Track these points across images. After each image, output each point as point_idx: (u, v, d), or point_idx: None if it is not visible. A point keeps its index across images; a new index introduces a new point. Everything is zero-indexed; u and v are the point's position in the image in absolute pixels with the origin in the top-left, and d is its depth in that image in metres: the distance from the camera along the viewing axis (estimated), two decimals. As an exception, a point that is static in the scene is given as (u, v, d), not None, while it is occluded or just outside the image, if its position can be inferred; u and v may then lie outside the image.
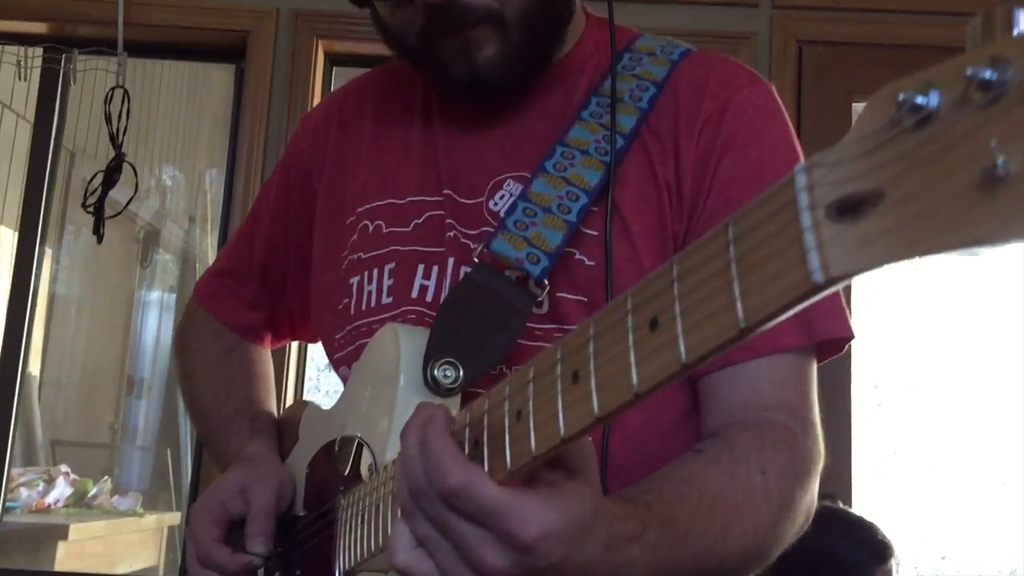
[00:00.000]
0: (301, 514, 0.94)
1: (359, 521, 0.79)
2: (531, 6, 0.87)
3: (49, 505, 3.05)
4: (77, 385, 3.99)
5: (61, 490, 3.12)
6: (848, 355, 2.56)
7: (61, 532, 2.75)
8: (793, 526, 0.79)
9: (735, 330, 0.41)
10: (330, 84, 2.48)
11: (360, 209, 0.96)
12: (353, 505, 0.81)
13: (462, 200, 0.91)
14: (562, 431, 0.54)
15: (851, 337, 0.87)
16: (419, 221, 0.92)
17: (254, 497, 0.90)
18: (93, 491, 3.20)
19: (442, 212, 0.92)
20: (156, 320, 4.52)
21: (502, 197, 0.90)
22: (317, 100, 2.41)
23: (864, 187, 0.35)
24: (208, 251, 4.62)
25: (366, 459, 0.83)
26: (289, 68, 2.37)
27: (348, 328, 0.94)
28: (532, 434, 0.56)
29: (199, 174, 4.76)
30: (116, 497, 3.29)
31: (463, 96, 0.92)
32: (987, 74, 0.31)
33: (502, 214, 0.88)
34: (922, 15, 2.33)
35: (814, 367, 0.87)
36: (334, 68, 2.48)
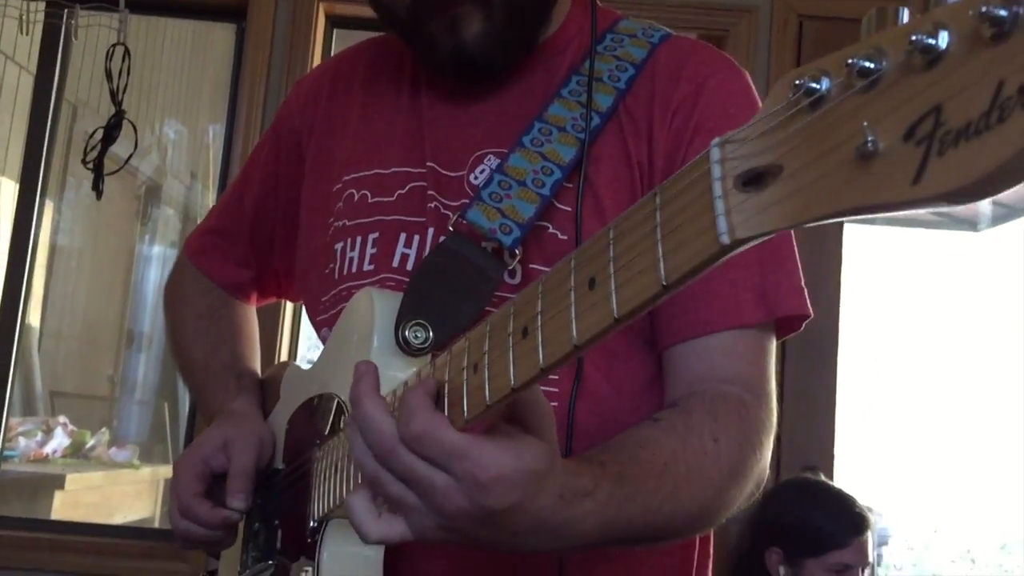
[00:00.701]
0: (280, 467, 0.99)
1: (333, 471, 0.83)
2: None
3: (47, 455, 3.11)
4: (77, 337, 4.03)
5: (59, 440, 3.18)
6: (835, 329, 2.59)
7: (58, 482, 2.81)
8: (742, 492, 0.83)
9: (658, 287, 0.45)
10: (331, 46, 2.50)
11: (347, 177, 1.00)
12: (327, 456, 0.85)
13: (444, 173, 0.95)
14: (512, 381, 0.58)
15: (808, 315, 0.91)
16: (403, 192, 0.95)
17: (235, 454, 0.94)
18: (91, 442, 3.26)
19: (425, 184, 0.95)
20: (157, 274, 4.56)
21: (482, 171, 0.93)
22: (317, 61, 2.44)
23: (766, 161, 0.39)
24: (209, 207, 4.65)
25: (341, 414, 0.88)
26: (290, 29, 2.39)
27: (331, 292, 0.98)
28: (487, 385, 0.61)
29: (202, 130, 4.78)
30: (113, 449, 3.35)
31: (450, 72, 0.95)
32: (866, 63, 0.35)
33: (480, 186, 0.91)
34: (921, -8, 2.35)
35: (773, 343, 0.91)
36: (335, 30, 2.50)
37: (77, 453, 3.21)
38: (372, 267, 0.95)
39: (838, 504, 2.03)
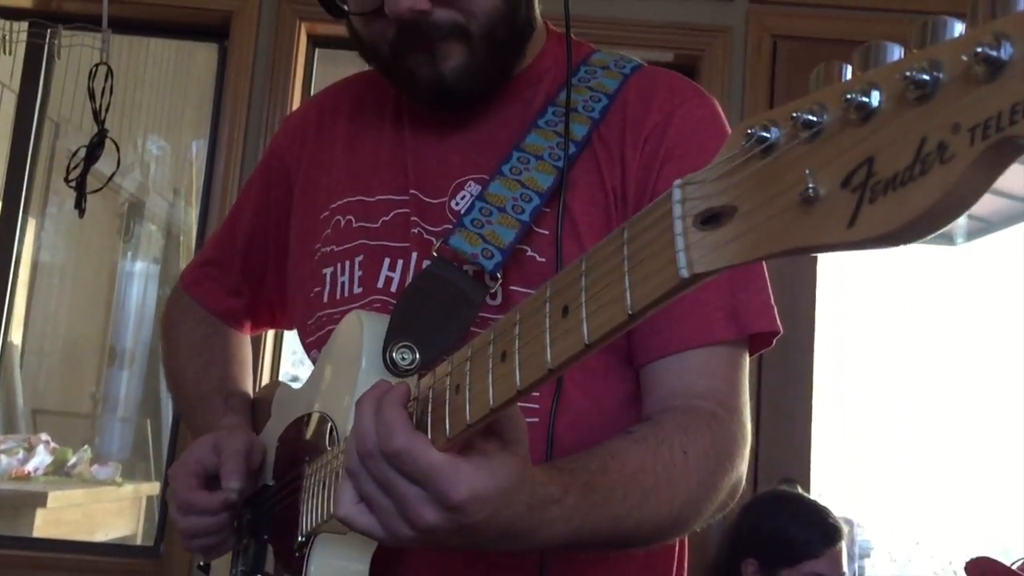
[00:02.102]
0: (271, 483, 1.02)
1: (321, 487, 0.86)
2: (495, 22, 0.93)
3: (29, 473, 3.11)
4: (59, 354, 4.03)
5: (41, 458, 3.17)
6: (811, 343, 2.63)
7: (40, 499, 2.81)
8: (713, 503, 0.86)
9: (624, 315, 0.49)
10: (312, 65, 2.53)
11: (333, 205, 1.03)
12: (316, 472, 0.88)
13: (427, 199, 0.98)
14: (491, 402, 0.62)
15: (778, 332, 0.95)
16: (387, 218, 0.99)
17: (225, 446, 0.97)
18: (73, 460, 3.26)
19: (408, 210, 0.98)
20: (140, 290, 4.56)
21: (463, 198, 0.96)
22: (299, 80, 2.47)
23: (722, 201, 0.43)
24: (192, 223, 4.66)
25: (330, 432, 0.91)
26: (272, 49, 2.42)
27: (320, 314, 1.01)
28: (467, 405, 0.64)
29: (184, 146, 4.79)
30: (95, 466, 3.35)
31: (430, 103, 0.99)
32: (809, 116, 0.39)
33: (463, 212, 0.94)
34: (893, 12, 2.41)
35: (745, 359, 0.94)
36: (316, 49, 2.53)
37: (59, 470, 3.21)
38: (360, 290, 0.98)
39: (812, 515, 2.07)
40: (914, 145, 0.34)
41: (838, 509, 2.11)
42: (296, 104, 2.45)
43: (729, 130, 0.99)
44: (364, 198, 1.02)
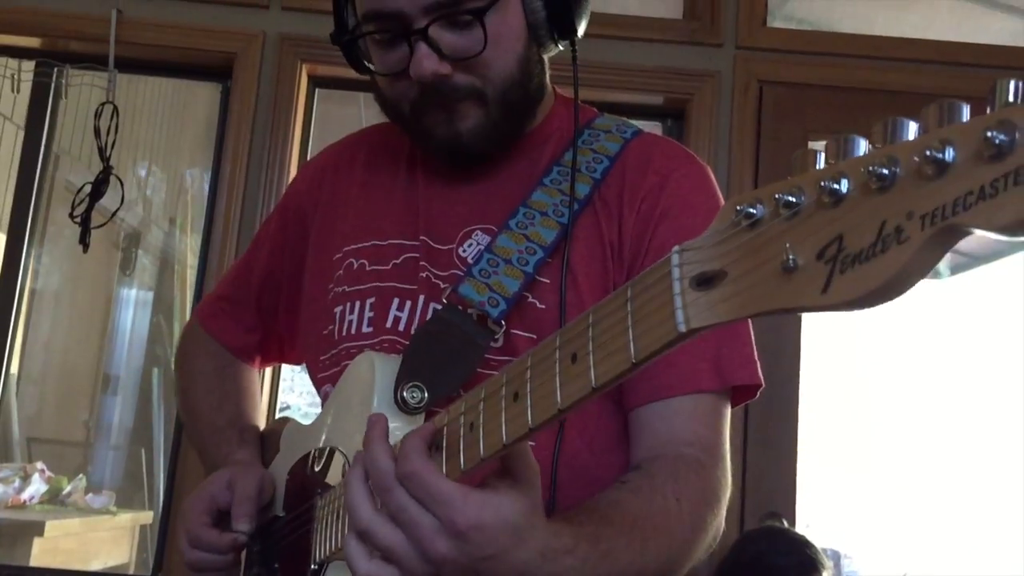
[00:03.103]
0: (281, 515, 1.07)
1: (334, 518, 0.92)
2: (509, 87, 1.01)
3: (24, 501, 3.14)
4: (55, 382, 4.06)
5: (36, 487, 3.20)
6: (796, 378, 2.68)
7: (37, 528, 2.84)
8: (702, 544, 0.93)
9: (629, 364, 0.56)
10: (312, 105, 2.60)
11: (347, 248, 1.10)
12: (329, 505, 0.94)
13: (436, 245, 1.05)
14: (504, 438, 0.68)
15: (759, 384, 1.01)
16: (397, 261, 1.06)
17: (238, 486, 1.03)
18: (68, 488, 3.29)
19: (418, 255, 1.05)
20: (133, 318, 4.60)
21: (470, 245, 1.03)
22: (300, 119, 2.53)
23: (715, 266, 0.50)
24: (187, 252, 4.71)
25: (342, 466, 0.96)
26: (274, 89, 2.49)
27: (331, 351, 1.07)
28: (481, 441, 0.71)
29: (180, 175, 4.85)
30: (90, 495, 3.38)
31: (445, 158, 1.06)
32: (789, 197, 0.46)
33: (470, 260, 1.01)
34: (875, 60, 2.50)
35: (728, 409, 1.01)
36: (317, 90, 2.61)
37: (54, 499, 3.24)
38: (370, 329, 1.04)
39: (793, 546, 2.13)
40: (876, 227, 0.41)
41: (825, 541, 2.17)
42: (297, 141, 2.52)
43: (718, 191, 1.07)
44: (377, 242, 1.08)
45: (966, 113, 0.40)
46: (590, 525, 0.82)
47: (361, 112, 4.26)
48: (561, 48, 1.07)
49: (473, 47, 0.97)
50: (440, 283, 1.02)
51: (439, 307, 1.00)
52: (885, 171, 0.41)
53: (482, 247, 1.02)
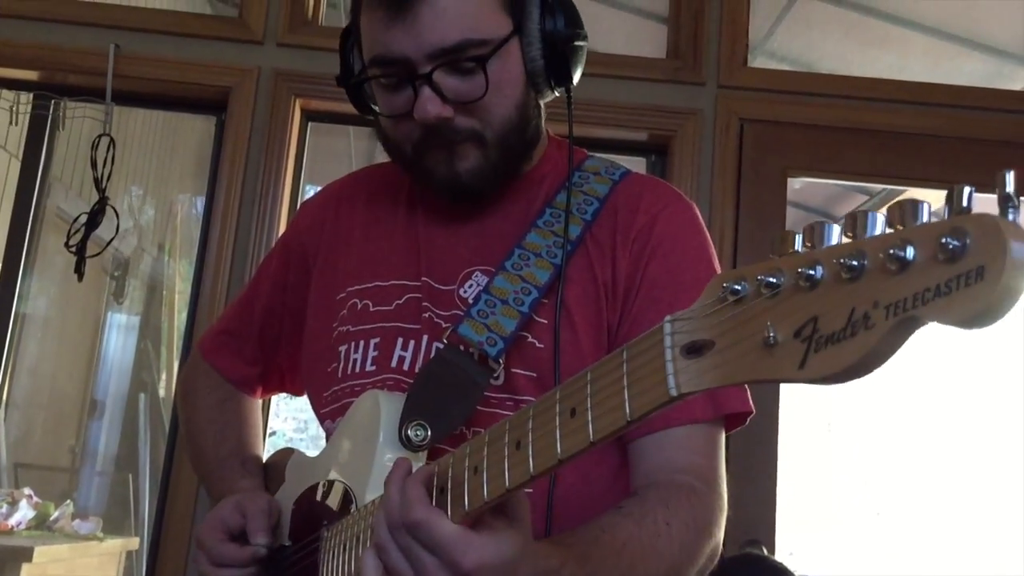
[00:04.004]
0: (287, 544, 1.11)
1: (341, 549, 0.96)
2: (508, 130, 1.06)
3: (12, 527, 3.14)
4: (41, 407, 4.07)
5: (24, 512, 3.21)
6: (776, 408, 2.73)
7: (25, 554, 2.85)
8: (692, 569, 0.98)
9: (624, 421, 0.61)
10: (305, 137, 2.65)
11: (350, 288, 1.15)
12: (336, 536, 0.99)
13: (437, 286, 1.10)
14: (507, 483, 0.73)
15: (751, 412, 1.07)
16: (400, 302, 1.11)
17: (249, 507, 1.07)
18: (55, 514, 3.29)
19: (420, 295, 1.10)
20: (120, 343, 4.61)
21: (471, 286, 1.08)
22: (293, 151, 2.58)
23: (704, 336, 0.55)
24: (176, 277, 4.74)
25: (347, 499, 1.01)
26: (268, 123, 2.54)
27: (335, 388, 1.12)
28: (485, 485, 0.76)
29: (169, 202, 4.88)
30: (77, 521, 3.39)
31: (446, 197, 1.11)
32: (770, 279, 0.51)
33: (470, 301, 1.06)
34: (852, 100, 2.58)
35: (722, 436, 1.07)
36: (309, 123, 2.66)
37: (41, 525, 3.24)
38: (374, 368, 1.09)
39: (772, 573, 2.18)
40: (847, 312, 0.47)
41: (805, 569, 2.22)
42: (290, 172, 2.57)
43: (704, 228, 1.13)
44: (379, 283, 1.13)
45: (926, 213, 0.46)
46: (580, 546, 0.86)
47: (351, 143, 4.33)
48: (557, 94, 1.13)
49: (475, 92, 1.02)
50: (442, 323, 1.07)
51: (441, 347, 1.05)
52: (855, 263, 0.47)
53: (481, 288, 1.07)
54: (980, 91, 2.65)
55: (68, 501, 3.43)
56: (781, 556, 2.43)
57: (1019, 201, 0.42)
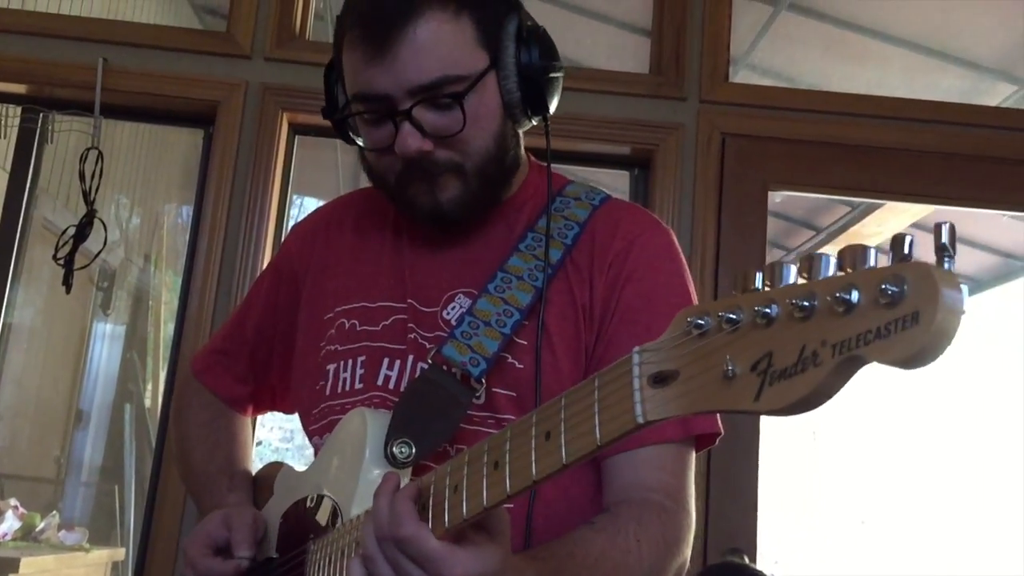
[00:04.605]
0: (274, 556, 1.14)
1: (327, 562, 0.99)
2: (486, 161, 1.10)
3: (-3, 538, 3.15)
4: (27, 417, 4.07)
5: (10, 523, 3.21)
6: (757, 419, 2.76)
7: (11, 565, 2.86)
8: None
9: (595, 445, 0.64)
10: (292, 151, 2.68)
11: (338, 308, 1.18)
12: (322, 549, 1.01)
13: (422, 308, 1.14)
14: (484, 502, 0.77)
15: (719, 433, 1.11)
16: (387, 323, 1.14)
17: (235, 520, 1.10)
18: (41, 525, 3.30)
19: (405, 317, 1.14)
20: (106, 352, 4.61)
21: (454, 308, 1.12)
22: (280, 164, 2.61)
23: (670, 367, 0.59)
24: (162, 287, 4.75)
25: (334, 513, 1.04)
26: (255, 136, 2.56)
27: (323, 406, 1.15)
28: (464, 503, 0.79)
29: (155, 212, 4.90)
30: (63, 532, 3.39)
31: (427, 225, 1.14)
32: (731, 315, 0.55)
33: (453, 323, 1.10)
34: (832, 115, 2.62)
35: (692, 456, 1.11)
36: (296, 137, 2.69)
37: (27, 536, 3.25)
38: (361, 386, 1.12)
39: (752, 580, 2.22)
40: (798, 349, 0.50)
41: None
42: (277, 185, 2.60)
43: (680, 254, 1.17)
44: (367, 304, 1.16)
45: (872, 257, 0.49)
46: (553, 560, 0.90)
47: (338, 155, 4.35)
48: (535, 123, 1.16)
49: (453, 126, 1.06)
50: (427, 344, 1.10)
51: (425, 367, 1.08)
52: (806, 303, 0.50)
53: (464, 310, 1.10)
54: (958, 107, 2.70)
55: (54, 512, 3.43)
56: (767, 564, 2.46)
57: (954, 250, 0.46)
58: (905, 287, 0.45)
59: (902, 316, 0.45)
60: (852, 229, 4.35)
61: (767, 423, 2.59)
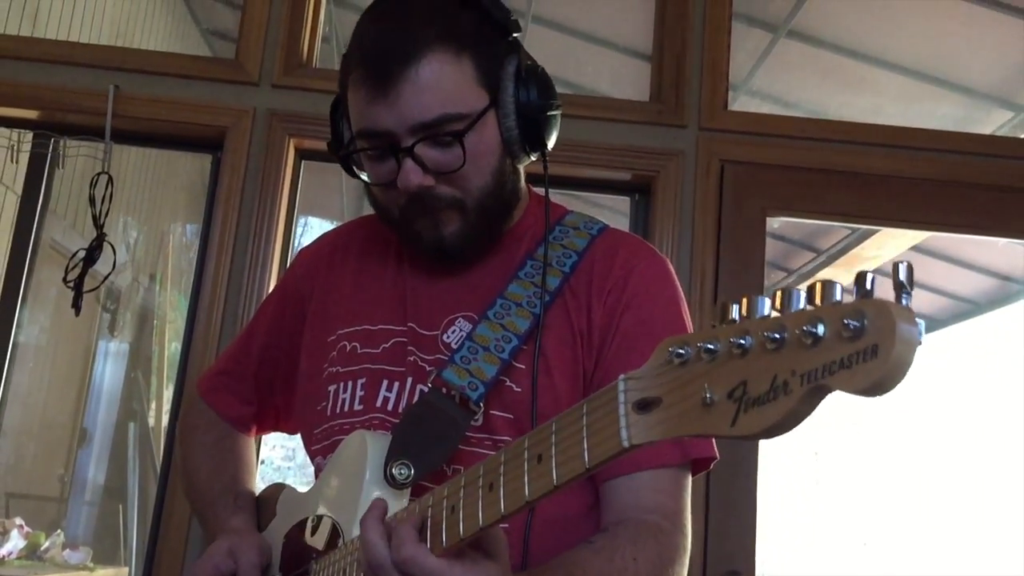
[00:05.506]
0: None
1: (328, 582, 1.03)
2: (486, 196, 1.14)
3: (3, 557, 3.18)
4: (32, 436, 4.10)
5: (15, 542, 3.24)
6: (756, 440, 2.79)
7: (17, 584, 2.90)
8: None
9: (583, 468, 0.68)
10: (299, 176, 2.72)
11: (341, 331, 1.22)
12: (324, 569, 1.05)
13: (422, 332, 1.17)
14: (481, 522, 0.80)
15: (715, 457, 1.14)
16: (387, 345, 1.18)
17: (242, 557, 1.13)
18: (46, 544, 3.33)
19: (405, 340, 1.17)
20: (110, 371, 4.64)
21: (453, 332, 1.16)
22: (287, 189, 2.65)
23: (653, 394, 0.62)
24: (167, 306, 4.79)
25: (335, 534, 1.07)
26: (262, 161, 2.61)
27: (324, 426, 1.19)
28: (461, 523, 0.82)
29: (160, 232, 4.94)
30: (67, 551, 3.42)
31: (430, 257, 1.19)
32: (709, 345, 0.58)
33: (453, 346, 1.13)
34: (829, 143, 2.67)
35: (688, 479, 1.14)
36: (303, 162, 2.74)
37: (32, 555, 3.28)
38: (361, 407, 1.16)
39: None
40: (770, 379, 0.54)
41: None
42: (284, 209, 2.64)
43: (676, 281, 1.21)
44: (368, 327, 1.20)
45: (839, 292, 0.53)
46: None
47: (343, 178, 4.40)
48: (533, 159, 1.20)
49: (453, 163, 1.10)
50: (426, 366, 1.14)
51: (425, 389, 1.12)
52: (777, 335, 0.54)
53: (464, 334, 1.14)
54: (953, 135, 2.74)
55: (58, 531, 3.46)
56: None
57: (912, 288, 0.50)
58: (865, 322, 0.49)
59: (863, 348, 0.49)
60: (852, 252, 4.40)
61: (768, 443, 2.62)
